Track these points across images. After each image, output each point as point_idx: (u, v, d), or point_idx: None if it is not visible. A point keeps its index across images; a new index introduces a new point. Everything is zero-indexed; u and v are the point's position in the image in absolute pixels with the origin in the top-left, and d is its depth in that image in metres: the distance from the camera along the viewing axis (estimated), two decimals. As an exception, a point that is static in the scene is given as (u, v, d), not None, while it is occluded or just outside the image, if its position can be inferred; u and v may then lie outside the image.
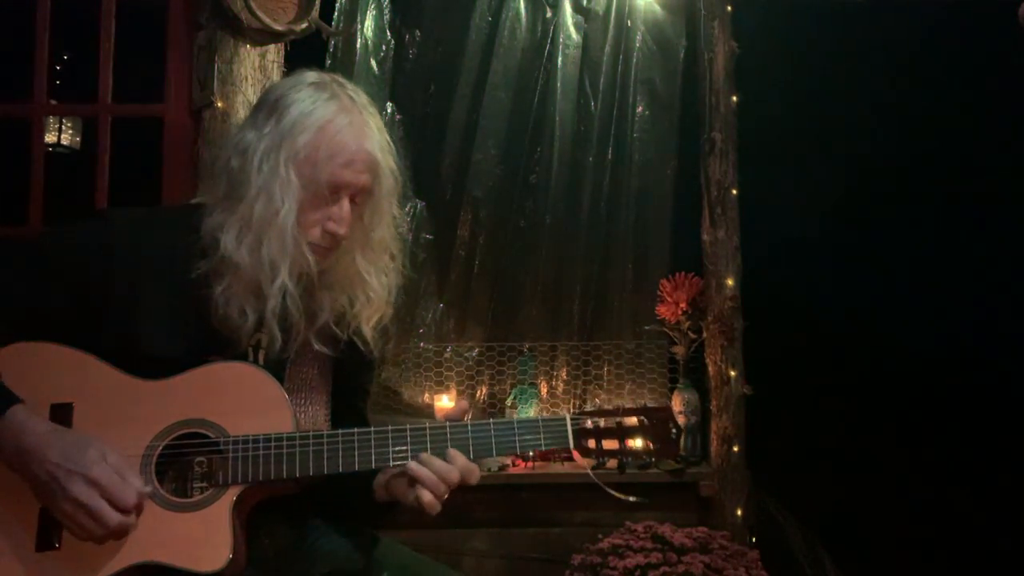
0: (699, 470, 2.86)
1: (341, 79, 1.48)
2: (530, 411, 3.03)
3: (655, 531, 2.47)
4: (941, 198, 3.05)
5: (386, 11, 3.27)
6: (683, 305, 2.95)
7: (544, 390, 3.16)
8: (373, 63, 3.23)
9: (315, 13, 2.66)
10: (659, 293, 3.04)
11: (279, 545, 1.47)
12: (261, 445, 1.36)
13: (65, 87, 3.77)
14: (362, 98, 1.46)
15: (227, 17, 2.52)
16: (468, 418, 1.45)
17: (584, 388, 3.18)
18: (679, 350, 3.00)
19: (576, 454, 1.45)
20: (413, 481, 1.37)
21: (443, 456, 1.37)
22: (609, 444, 1.42)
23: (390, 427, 1.39)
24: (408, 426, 1.40)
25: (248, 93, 2.64)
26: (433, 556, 1.62)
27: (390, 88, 3.27)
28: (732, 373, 2.87)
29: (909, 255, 3.09)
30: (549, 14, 3.28)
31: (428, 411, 3.09)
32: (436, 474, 1.36)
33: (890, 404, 3.09)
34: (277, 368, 1.43)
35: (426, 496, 1.36)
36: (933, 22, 2.96)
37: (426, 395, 3.15)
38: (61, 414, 1.36)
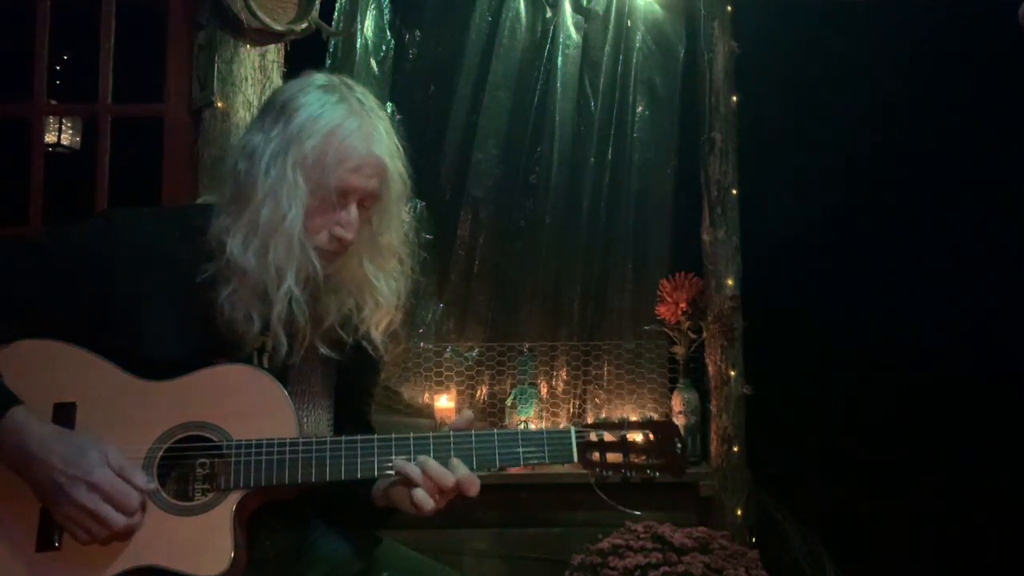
0: (699, 470, 2.86)
1: (350, 81, 1.46)
2: (530, 411, 3.02)
3: (655, 531, 2.47)
4: (941, 198, 3.04)
5: (386, 11, 3.26)
6: (683, 305, 2.95)
7: (544, 390, 3.15)
8: (373, 63, 3.22)
9: (315, 13, 2.67)
10: (659, 293, 3.03)
11: (280, 546, 1.47)
12: (264, 450, 1.35)
13: (65, 87, 3.76)
14: (371, 101, 1.44)
15: (227, 17, 2.53)
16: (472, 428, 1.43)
17: (584, 388, 3.17)
18: (679, 350, 3.00)
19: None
20: (409, 483, 1.36)
21: (445, 466, 1.36)
22: (613, 458, 1.41)
23: (393, 436, 1.38)
24: (412, 435, 1.39)
25: (248, 93, 2.64)
26: (433, 556, 1.62)
27: (390, 88, 3.26)
28: (732, 373, 2.87)
29: (909, 255, 3.08)
30: (549, 14, 3.27)
31: (428, 411, 3.08)
32: (431, 477, 1.34)
33: (890, 404, 3.09)
34: (281, 371, 1.42)
35: (418, 494, 1.34)
36: (933, 22, 2.95)
37: (426, 395, 3.14)
38: (64, 414, 1.36)
